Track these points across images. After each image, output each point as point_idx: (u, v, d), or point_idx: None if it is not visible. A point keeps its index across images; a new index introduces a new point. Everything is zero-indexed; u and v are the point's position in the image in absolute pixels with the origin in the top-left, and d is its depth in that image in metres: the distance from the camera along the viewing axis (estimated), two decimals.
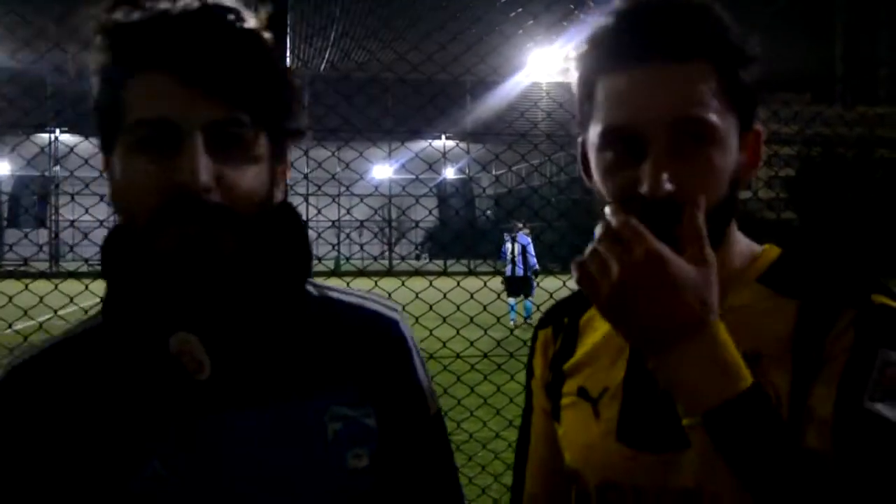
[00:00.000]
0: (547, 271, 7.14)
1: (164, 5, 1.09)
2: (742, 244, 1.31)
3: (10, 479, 1.15)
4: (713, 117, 1.15)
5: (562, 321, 1.48)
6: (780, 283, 1.24)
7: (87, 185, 4.41)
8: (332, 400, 1.22)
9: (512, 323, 13.53)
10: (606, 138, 1.19)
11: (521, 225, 17.32)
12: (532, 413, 1.51)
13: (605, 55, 1.20)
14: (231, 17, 1.11)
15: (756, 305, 1.23)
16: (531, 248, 17.14)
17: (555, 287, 5.24)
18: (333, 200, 5.09)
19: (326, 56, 25.30)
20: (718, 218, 1.18)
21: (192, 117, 1.07)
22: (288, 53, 2.69)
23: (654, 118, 1.14)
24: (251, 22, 1.13)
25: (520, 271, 16.55)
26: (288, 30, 2.70)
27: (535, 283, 14.98)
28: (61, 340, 1.24)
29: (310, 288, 1.33)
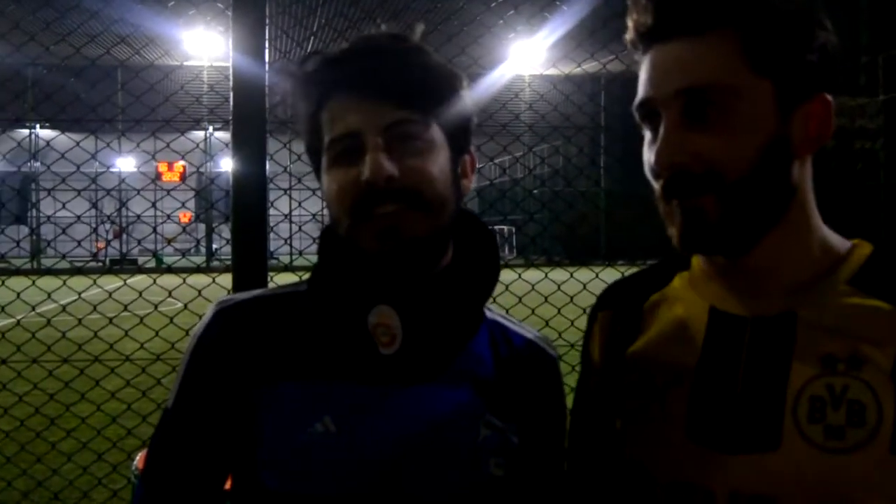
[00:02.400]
0: (529, 263, 7.16)
1: (338, 47, 1.33)
2: (827, 237, 1.22)
3: (196, 395, 1.34)
4: (724, 83, 1.12)
5: (623, 303, 1.39)
6: (878, 287, 1.16)
7: (63, 180, 4.35)
8: (490, 407, 1.34)
9: None
10: (638, 115, 1.21)
11: None
12: (588, 401, 1.43)
13: (638, 36, 1.21)
14: (389, 41, 1.31)
15: (853, 309, 1.15)
16: None
17: (537, 278, 5.24)
18: (314, 193, 5.05)
19: (307, 47, 25.17)
20: (753, 189, 1.14)
21: (370, 125, 1.25)
22: (266, 44, 2.64)
23: (663, 91, 1.15)
24: (407, 40, 1.32)
25: None
26: (267, 20, 2.66)
27: None
28: (268, 295, 1.43)
29: (485, 309, 1.45)
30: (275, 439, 1.27)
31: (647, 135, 1.20)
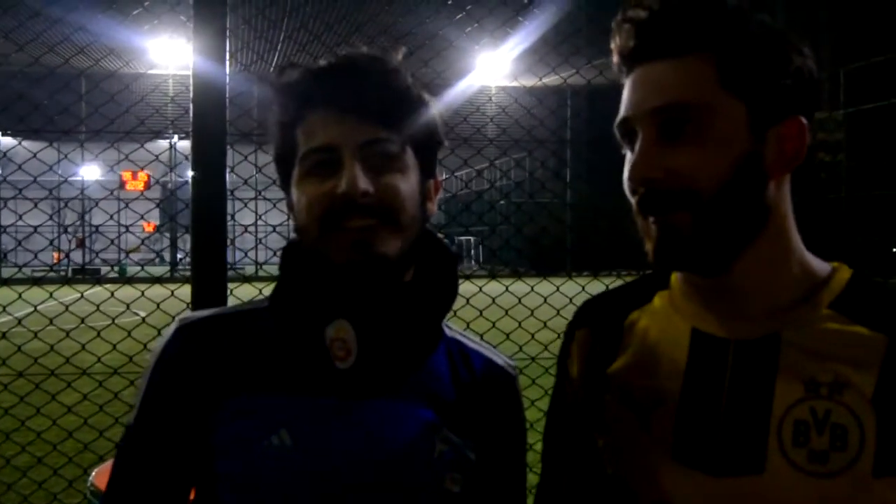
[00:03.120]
0: (492, 275, 7.18)
1: (320, 62, 1.35)
2: (808, 260, 1.24)
3: (157, 412, 1.34)
4: (698, 102, 1.15)
5: (602, 321, 1.39)
6: (859, 312, 1.17)
7: (20, 191, 4.29)
8: (446, 423, 1.35)
9: None
10: (618, 134, 1.24)
11: None
12: (565, 418, 1.42)
13: (621, 59, 1.24)
14: (370, 60, 1.34)
15: (835, 334, 1.16)
16: None
17: (498, 291, 5.25)
18: (274, 206, 5.02)
19: (270, 60, 25.09)
20: (726, 206, 1.16)
21: (349, 140, 1.28)
22: (227, 57, 2.64)
23: (640, 109, 1.18)
24: (389, 63, 1.34)
25: None
26: (228, 33, 2.65)
27: None
28: (229, 312, 1.44)
29: (444, 326, 1.47)
30: (231, 453, 1.27)
31: (628, 154, 1.22)
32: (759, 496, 1.13)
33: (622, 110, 1.22)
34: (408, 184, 1.32)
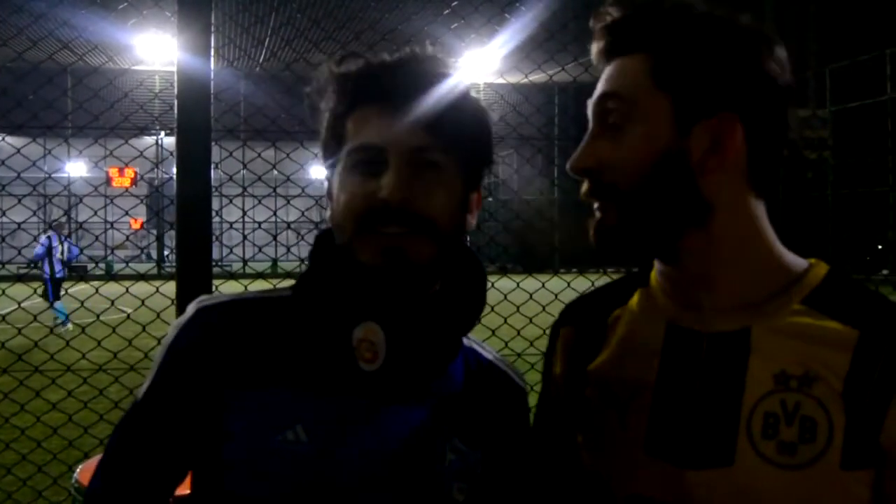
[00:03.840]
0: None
1: (382, 56, 1.33)
2: (782, 255, 1.25)
3: (167, 393, 1.34)
4: (623, 93, 1.20)
5: (585, 319, 1.41)
6: (832, 307, 1.18)
7: (3, 187, 4.27)
8: (458, 433, 1.35)
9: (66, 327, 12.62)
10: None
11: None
12: (550, 416, 1.45)
13: (596, 57, 1.29)
14: (432, 63, 1.33)
15: (806, 328, 1.17)
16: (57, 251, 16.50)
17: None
18: (260, 202, 5.01)
19: (256, 56, 25.02)
20: (645, 200, 1.19)
21: (397, 143, 1.26)
22: (212, 53, 2.63)
23: (591, 102, 1.25)
24: (450, 68, 1.34)
25: (60, 272, 15.76)
26: (212, 29, 2.65)
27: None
28: (250, 297, 1.41)
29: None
30: (243, 443, 1.27)
31: None
32: (729, 488, 1.14)
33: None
34: (449, 195, 1.31)
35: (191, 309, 1.38)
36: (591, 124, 1.24)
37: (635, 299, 1.35)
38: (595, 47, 1.27)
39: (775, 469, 1.12)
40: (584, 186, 1.24)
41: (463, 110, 1.33)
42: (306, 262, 1.41)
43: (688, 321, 1.24)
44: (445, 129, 1.29)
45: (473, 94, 1.36)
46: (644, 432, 1.23)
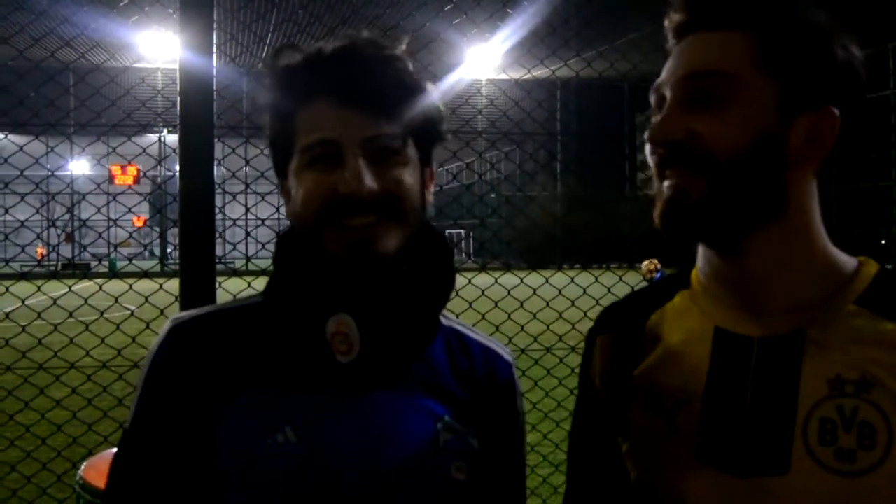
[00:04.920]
0: (482, 268, 7.21)
1: (320, 47, 1.31)
2: (833, 255, 1.22)
3: (155, 416, 1.32)
4: (728, 71, 1.15)
5: (623, 325, 1.37)
6: (886, 307, 1.16)
7: (6, 185, 4.27)
8: (448, 412, 1.36)
9: None
10: (652, 100, 1.25)
11: None
12: (590, 426, 1.40)
13: (671, 31, 1.26)
14: (373, 48, 1.31)
15: (861, 330, 1.15)
16: None
17: (487, 284, 5.25)
18: (263, 199, 5.01)
19: (258, 52, 25.00)
20: (741, 176, 1.15)
21: (351, 135, 1.26)
22: (214, 50, 2.63)
23: (673, 75, 1.20)
24: (392, 50, 1.32)
25: None
26: (214, 25, 2.64)
27: None
28: (223, 309, 1.41)
29: (440, 316, 1.46)
30: (234, 452, 1.26)
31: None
32: (785, 496, 1.11)
33: (659, 77, 1.24)
34: (411, 176, 1.31)
35: (165, 328, 1.37)
36: (671, 96, 1.19)
37: (677, 301, 1.32)
38: (675, 18, 1.23)
39: (833, 476, 1.09)
40: (657, 158, 1.20)
41: (410, 89, 1.32)
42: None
43: (736, 325, 1.21)
44: (395, 112, 1.29)
45: (415, 69, 1.34)
46: (695, 439, 1.19)
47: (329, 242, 1.28)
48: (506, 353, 1.51)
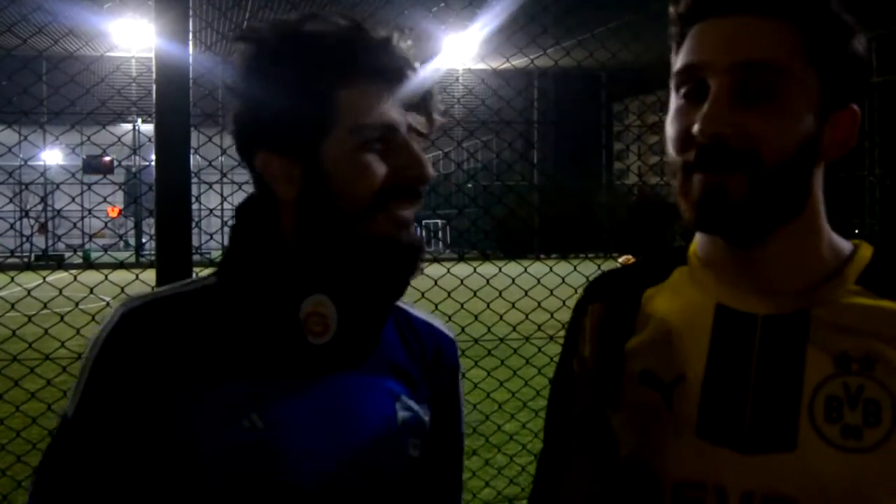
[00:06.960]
0: (460, 257, 7.20)
1: (365, 25, 1.27)
2: (833, 238, 1.24)
3: (113, 413, 1.25)
4: (782, 63, 1.12)
5: (616, 296, 1.35)
6: (886, 287, 1.18)
7: None
8: (405, 390, 1.37)
9: None
10: (677, 80, 1.19)
11: None
12: (570, 395, 1.37)
13: (690, 7, 1.20)
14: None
15: (864, 309, 1.17)
16: None
17: (466, 273, 5.25)
18: (240, 188, 4.97)
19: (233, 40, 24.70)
20: (784, 178, 1.14)
21: (405, 123, 1.27)
22: (190, 37, 2.60)
23: (718, 60, 1.14)
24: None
25: None
26: (190, 13, 2.61)
27: None
28: (177, 292, 1.35)
29: None
30: (201, 442, 1.22)
31: (677, 103, 1.19)
32: (792, 472, 1.12)
33: (689, 57, 1.17)
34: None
35: (116, 313, 1.30)
36: (717, 84, 1.13)
37: (675, 278, 1.32)
38: None
39: (840, 453, 1.10)
40: (694, 153, 1.15)
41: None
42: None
43: (740, 303, 1.21)
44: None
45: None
46: (695, 416, 1.19)
47: (380, 223, 1.26)
48: (448, 330, 1.53)
